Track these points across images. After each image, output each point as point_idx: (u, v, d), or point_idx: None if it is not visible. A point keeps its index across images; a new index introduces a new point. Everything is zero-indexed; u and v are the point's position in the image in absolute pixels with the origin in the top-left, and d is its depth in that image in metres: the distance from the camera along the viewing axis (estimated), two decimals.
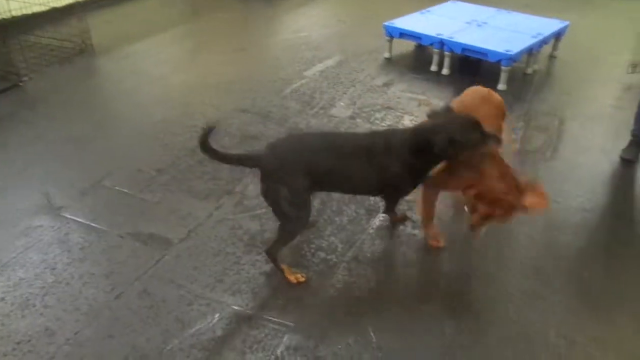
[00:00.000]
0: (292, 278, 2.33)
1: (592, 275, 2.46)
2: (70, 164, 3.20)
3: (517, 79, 4.37)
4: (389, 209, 2.62)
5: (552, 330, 2.17)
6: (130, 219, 2.73)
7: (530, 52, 4.37)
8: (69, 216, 2.74)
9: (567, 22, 4.74)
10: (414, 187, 2.37)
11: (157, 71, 4.49)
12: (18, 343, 2.04)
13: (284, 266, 2.35)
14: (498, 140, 2.21)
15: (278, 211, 2.21)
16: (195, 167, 3.17)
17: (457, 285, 2.41)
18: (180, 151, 3.34)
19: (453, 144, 2.08)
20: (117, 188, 2.97)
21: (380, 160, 2.17)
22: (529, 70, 4.49)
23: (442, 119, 2.21)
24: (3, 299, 2.24)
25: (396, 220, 2.71)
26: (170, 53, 4.92)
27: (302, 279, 2.34)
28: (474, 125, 2.14)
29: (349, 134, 2.49)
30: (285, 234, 2.28)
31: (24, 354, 2.00)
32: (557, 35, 4.71)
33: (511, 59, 4.10)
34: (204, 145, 2.11)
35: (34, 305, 2.21)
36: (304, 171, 2.13)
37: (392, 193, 2.45)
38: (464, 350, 2.08)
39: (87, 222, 2.70)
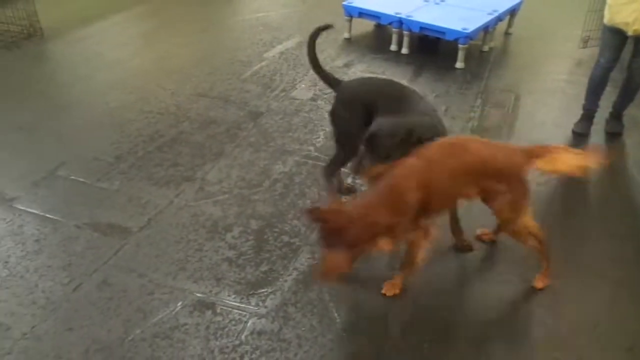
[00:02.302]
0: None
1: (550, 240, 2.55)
2: (21, 153, 3.08)
3: (474, 56, 4.43)
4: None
5: (503, 300, 2.25)
6: (88, 208, 2.66)
7: (487, 29, 4.43)
8: (22, 208, 2.65)
9: None
10: None
11: (112, 55, 4.34)
12: None
13: (332, 186, 2.62)
14: None
15: (336, 133, 2.57)
16: (154, 153, 3.11)
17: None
18: (138, 138, 3.26)
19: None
20: (72, 177, 2.88)
21: None
22: (486, 48, 4.55)
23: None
24: None
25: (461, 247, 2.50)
26: (126, 36, 4.75)
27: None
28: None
29: (411, 89, 2.57)
30: (336, 157, 2.59)
31: None
32: (512, 12, 4.79)
33: (468, 37, 4.15)
34: (313, 44, 2.60)
35: None
36: (364, 105, 2.43)
37: None
38: (420, 321, 2.13)
39: (42, 214, 2.61)
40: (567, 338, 2.10)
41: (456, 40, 4.18)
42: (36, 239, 2.46)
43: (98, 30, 4.77)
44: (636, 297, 2.30)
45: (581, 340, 2.10)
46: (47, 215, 2.61)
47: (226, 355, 1.97)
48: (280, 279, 2.30)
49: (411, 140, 2.13)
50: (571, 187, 2.98)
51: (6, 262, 2.33)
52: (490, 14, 4.42)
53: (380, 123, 2.24)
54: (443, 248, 2.42)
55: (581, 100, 3.44)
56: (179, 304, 2.16)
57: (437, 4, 4.68)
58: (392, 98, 2.41)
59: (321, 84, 3.93)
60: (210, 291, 2.23)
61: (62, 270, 2.30)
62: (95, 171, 2.94)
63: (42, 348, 1.96)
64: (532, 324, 2.17)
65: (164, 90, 3.81)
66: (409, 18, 4.34)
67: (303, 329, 2.08)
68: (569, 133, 3.43)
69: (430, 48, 4.55)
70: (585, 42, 4.09)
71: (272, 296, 2.22)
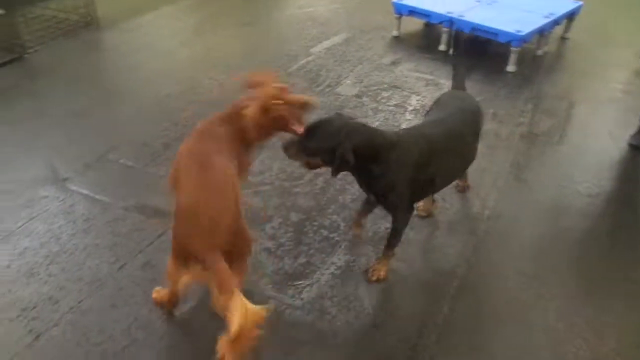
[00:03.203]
0: None
1: (593, 260, 2.46)
2: (75, 137, 3.21)
3: (527, 60, 4.31)
4: None
5: (551, 314, 2.18)
6: (135, 192, 2.74)
7: (542, 32, 4.29)
8: (74, 188, 2.76)
9: (580, 2, 4.63)
10: None
11: (163, 45, 4.45)
12: (23, 309, 2.08)
13: None
14: None
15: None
16: None
17: (454, 265, 2.41)
18: (186, 126, 3.33)
19: None
20: (121, 161, 2.98)
21: None
22: (540, 52, 4.42)
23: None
24: (9, 266, 2.28)
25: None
26: (177, 27, 4.87)
27: None
28: None
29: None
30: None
31: (28, 320, 2.04)
32: (570, 16, 4.62)
33: (522, 39, 4.03)
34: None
35: (39, 274, 2.24)
36: None
37: None
38: (459, 332, 2.09)
39: (92, 195, 2.72)
40: (610, 357, 2.02)
41: (509, 42, 4.07)
42: (85, 219, 2.56)
43: (150, 20, 4.91)
44: None
45: None
46: (97, 197, 2.71)
47: (260, 343, 1.99)
48: (318, 272, 2.31)
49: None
50: (622, 201, 2.86)
51: (58, 238, 2.44)
52: (546, 17, 4.28)
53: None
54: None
55: (639, 112, 3.29)
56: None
57: (489, 4, 4.57)
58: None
59: (367, 81, 3.93)
60: (248, 279, 2.26)
61: (109, 249, 2.39)
62: (143, 156, 3.02)
63: (86, 322, 2.04)
64: (573, 340, 2.09)
65: (212, 80, 3.89)
66: (461, 18, 4.26)
67: (338, 323, 2.08)
68: (624, 145, 3.28)
69: (481, 50, 4.46)
70: None
71: (308, 289, 2.23)
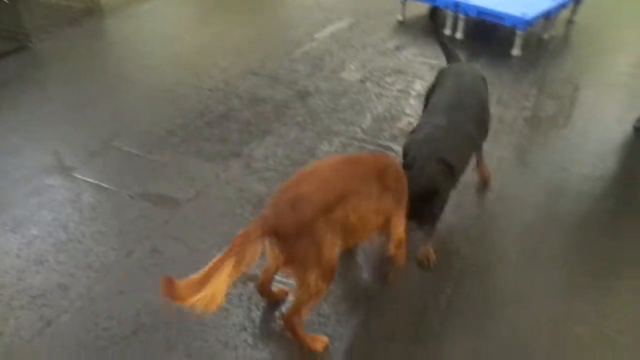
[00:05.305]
0: None
1: (596, 242, 2.47)
2: (79, 125, 3.23)
3: (533, 44, 4.27)
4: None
5: (553, 295, 2.20)
6: (140, 179, 2.76)
7: (548, 16, 4.24)
8: (79, 176, 2.78)
9: None
10: None
11: (167, 32, 4.45)
12: (33, 297, 2.12)
13: None
14: None
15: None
16: (204, 129, 3.18)
17: (457, 247, 2.43)
18: (190, 113, 3.34)
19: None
20: (126, 149, 3.00)
21: None
22: (546, 36, 4.37)
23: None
24: (18, 255, 2.31)
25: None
26: (181, 13, 4.86)
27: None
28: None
29: None
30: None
31: (39, 307, 2.08)
32: None
33: (527, 23, 3.99)
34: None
35: (48, 262, 2.28)
36: None
37: None
38: (462, 313, 2.12)
39: (98, 183, 2.74)
40: (613, 337, 2.04)
41: (514, 26, 4.04)
42: (92, 207, 2.59)
43: (154, 7, 4.89)
44: None
45: (628, 340, 2.03)
46: (102, 185, 2.73)
47: (266, 325, 2.03)
48: None
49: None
50: (626, 184, 2.85)
51: (65, 226, 2.47)
52: (552, 0, 4.23)
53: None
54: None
55: None
56: None
57: None
58: None
59: (370, 66, 3.91)
60: (257, 264, 2.28)
61: (115, 237, 2.42)
62: (147, 144, 3.04)
63: (95, 308, 2.08)
64: (575, 320, 2.11)
65: (215, 67, 3.88)
66: (466, 2, 4.21)
67: (342, 304, 2.11)
68: (629, 128, 3.26)
69: (486, 33, 4.42)
70: None
71: None
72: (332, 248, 1.75)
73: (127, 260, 2.29)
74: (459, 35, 4.36)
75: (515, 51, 4.10)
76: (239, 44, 4.24)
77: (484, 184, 2.75)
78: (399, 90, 3.62)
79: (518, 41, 4.07)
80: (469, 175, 2.79)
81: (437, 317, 2.09)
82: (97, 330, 1.99)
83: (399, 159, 2.26)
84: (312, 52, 4.11)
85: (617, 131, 3.24)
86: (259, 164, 2.90)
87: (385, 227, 2.01)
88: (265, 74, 3.81)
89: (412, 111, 3.38)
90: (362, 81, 3.73)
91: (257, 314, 2.07)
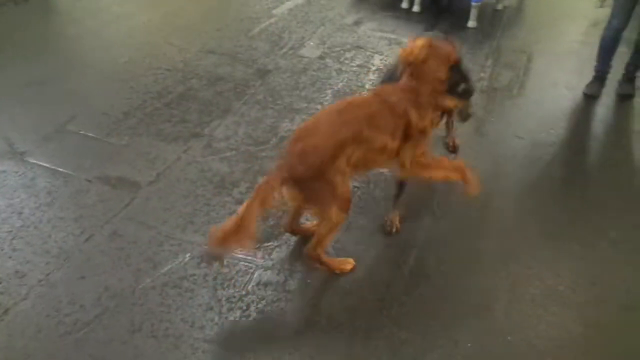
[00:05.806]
0: None
1: (550, 206, 2.58)
2: (31, 108, 3.11)
3: (487, 15, 4.34)
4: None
5: (511, 259, 2.29)
6: (98, 163, 2.70)
7: None
8: (33, 161, 2.69)
9: None
10: None
11: (120, 10, 4.29)
12: None
13: None
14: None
15: None
16: (162, 109, 3.12)
17: (419, 218, 2.49)
18: (147, 93, 3.26)
19: None
20: (82, 132, 2.92)
21: None
22: (499, 7, 4.45)
23: None
24: None
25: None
26: None
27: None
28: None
29: None
30: None
31: None
32: None
33: None
34: None
35: (2, 249, 2.21)
36: None
37: None
38: (425, 281, 2.18)
39: (53, 167, 2.66)
40: (565, 294, 2.15)
41: None
42: (48, 192, 2.52)
43: None
44: (633, 257, 2.33)
45: (579, 297, 2.14)
46: (58, 169, 2.65)
47: (233, 304, 2.04)
48: (286, 234, 2.35)
49: None
50: (577, 149, 2.97)
51: (20, 212, 2.39)
52: None
53: None
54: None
55: (594, 62, 3.38)
56: (187, 255, 2.22)
57: None
58: None
59: (330, 42, 3.90)
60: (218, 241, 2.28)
61: (74, 221, 2.36)
62: (104, 126, 2.96)
63: (56, 294, 2.04)
64: (531, 281, 2.21)
65: (172, 46, 3.79)
66: None
67: (308, 280, 2.14)
68: (580, 95, 3.38)
69: (443, 6, 4.45)
70: (602, 1, 3.97)
71: (278, 249, 2.28)
72: (344, 183, 1.98)
73: (86, 245, 2.25)
74: (415, 8, 4.38)
75: (471, 23, 4.16)
76: (194, 22, 4.14)
77: (452, 151, 2.82)
78: (359, 66, 3.63)
79: (473, 13, 4.13)
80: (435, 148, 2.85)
81: (402, 286, 2.15)
82: (59, 317, 1.96)
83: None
84: (270, 29, 4.05)
85: (569, 98, 3.36)
86: (220, 143, 2.87)
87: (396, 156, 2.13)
88: (224, 52, 3.74)
89: (371, 86, 3.40)
90: (321, 57, 3.72)
91: (222, 294, 2.08)
